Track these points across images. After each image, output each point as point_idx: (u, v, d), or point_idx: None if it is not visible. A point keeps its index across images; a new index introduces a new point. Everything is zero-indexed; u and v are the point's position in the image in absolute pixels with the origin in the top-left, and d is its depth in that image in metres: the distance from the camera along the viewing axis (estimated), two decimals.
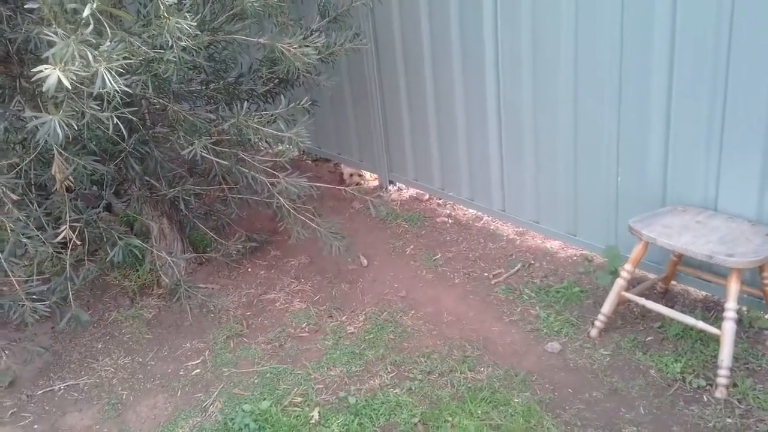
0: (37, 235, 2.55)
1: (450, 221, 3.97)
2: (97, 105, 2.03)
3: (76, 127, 1.92)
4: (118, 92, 1.80)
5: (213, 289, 3.56)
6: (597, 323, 2.83)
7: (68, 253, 2.75)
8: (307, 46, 2.68)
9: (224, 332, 3.20)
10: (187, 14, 2.10)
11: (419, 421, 2.52)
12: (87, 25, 1.65)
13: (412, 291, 3.36)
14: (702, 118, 2.65)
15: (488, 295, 3.24)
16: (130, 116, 2.32)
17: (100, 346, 3.24)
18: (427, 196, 4.28)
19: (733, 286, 2.41)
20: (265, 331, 3.19)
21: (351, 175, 4.72)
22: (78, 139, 2.53)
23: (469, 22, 3.41)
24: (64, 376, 3.06)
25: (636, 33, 2.74)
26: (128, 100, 2.18)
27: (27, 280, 2.64)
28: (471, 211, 4.01)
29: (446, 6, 3.48)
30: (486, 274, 3.42)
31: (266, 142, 2.83)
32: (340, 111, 4.56)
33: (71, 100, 1.91)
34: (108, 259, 2.95)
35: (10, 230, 2.45)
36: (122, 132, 2.24)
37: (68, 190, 2.67)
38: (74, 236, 2.60)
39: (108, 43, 1.74)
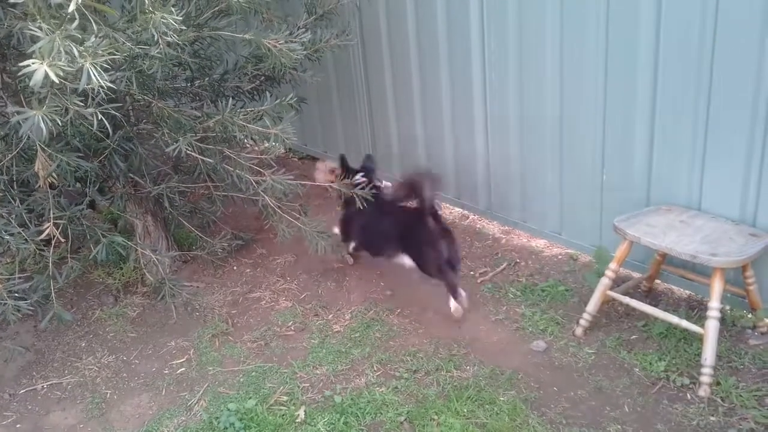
0: (19, 232, 2.51)
1: None
2: (81, 101, 2.00)
3: (60, 123, 1.89)
4: (103, 88, 1.77)
5: (198, 287, 3.54)
6: (582, 322, 2.84)
7: (51, 250, 2.72)
8: (293, 41, 2.67)
9: (209, 331, 3.19)
10: (172, 9, 2.08)
11: (405, 419, 2.52)
12: (72, 20, 1.62)
13: (398, 289, 3.36)
14: (686, 120, 2.67)
15: (474, 294, 3.25)
16: (114, 113, 2.29)
17: (83, 344, 3.21)
18: None
19: (717, 286, 2.43)
20: (251, 330, 3.18)
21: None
22: (62, 136, 2.49)
23: (455, 21, 3.41)
24: (47, 374, 3.02)
25: (621, 33, 2.75)
26: (112, 96, 2.15)
27: (9, 278, 2.60)
28: (457, 209, 4.02)
29: (432, 5, 3.47)
30: (472, 272, 3.42)
31: (252, 139, 2.81)
32: (326, 109, 4.55)
33: (55, 96, 1.89)
34: (91, 256, 2.92)
35: None
36: (106, 128, 2.22)
37: (51, 186, 2.64)
38: (57, 233, 2.57)
39: (93, 39, 1.72)
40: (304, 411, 2.61)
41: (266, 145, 3.00)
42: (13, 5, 2.09)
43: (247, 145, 3.12)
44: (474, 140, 3.60)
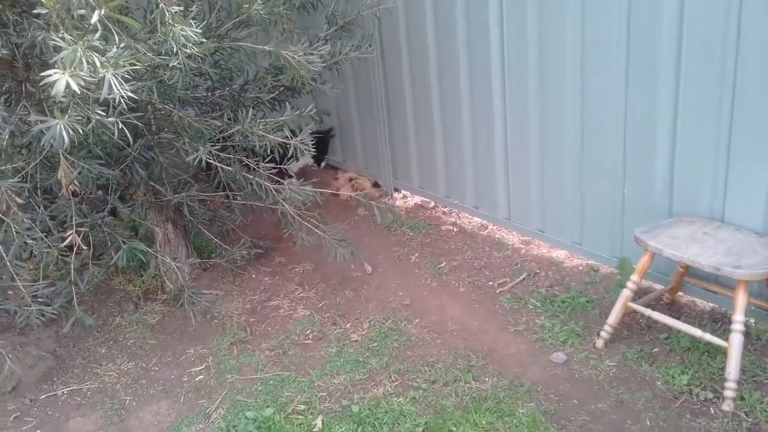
0: (42, 239, 2.55)
1: (455, 229, 3.96)
2: (103, 110, 2.03)
3: (81, 132, 1.91)
4: (124, 98, 1.79)
5: (217, 295, 3.56)
6: (603, 334, 2.81)
7: (73, 257, 2.75)
8: (312, 53, 2.68)
9: (228, 338, 3.20)
10: (192, 21, 2.10)
11: (423, 430, 2.50)
12: (95, 31, 1.65)
13: (417, 299, 3.35)
14: (709, 130, 2.64)
15: (493, 305, 3.22)
16: (135, 122, 2.32)
17: (103, 350, 3.24)
18: (432, 204, 4.27)
19: (741, 298, 2.39)
20: (269, 338, 3.18)
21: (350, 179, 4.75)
22: (84, 144, 2.52)
23: (474, 31, 3.41)
24: (67, 380, 3.05)
25: (643, 39, 2.73)
26: (134, 105, 2.18)
27: (33, 283, 2.63)
28: (476, 219, 4.00)
29: (452, 15, 3.47)
30: (491, 283, 3.40)
31: (271, 150, 2.82)
32: (345, 117, 4.57)
33: (77, 105, 1.91)
34: (112, 263, 2.94)
35: (16, 233, 2.44)
36: (128, 137, 2.24)
37: (74, 194, 2.67)
38: (79, 240, 2.59)
39: (115, 50, 1.74)
40: (322, 420, 2.61)
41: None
42: (37, 15, 2.12)
43: (267, 155, 3.14)
44: (493, 150, 3.59)
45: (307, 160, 4.65)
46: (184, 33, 2.01)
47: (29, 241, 2.49)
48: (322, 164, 4.78)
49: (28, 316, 2.59)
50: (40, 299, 2.63)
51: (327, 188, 4.51)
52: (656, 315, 2.67)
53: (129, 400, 2.89)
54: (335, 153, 4.81)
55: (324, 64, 2.85)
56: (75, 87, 1.60)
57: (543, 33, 3.09)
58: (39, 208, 2.69)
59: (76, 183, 2.50)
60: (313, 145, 2.74)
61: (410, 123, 4.07)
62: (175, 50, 2.08)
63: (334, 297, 3.45)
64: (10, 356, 2.87)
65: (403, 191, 4.45)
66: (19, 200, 2.41)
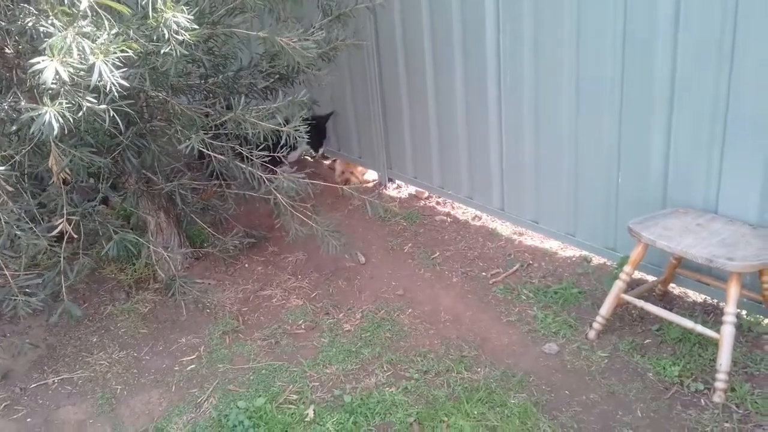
0: (31, 228, 2.52)
1: (449, 220, 3.95)
2: (94, 97, 2.00)
3: (72, 120, 1.89)
4: (115, 85, 1.77)
5: (209, 284, 3.54)
6: (595, 325, 2.81)
7: (63, 246, 2.72)
8: (307, 39, 2.66)
9: (220, 328, 3.19)
10: (184, 7, 2.07)
11: (415, 420, 2.51)
12: (85, 17, 1.62)
13: (410, 289, 3.34)
14: (704, 121, 2.63)
15: (486, 295, 3.22)
16: (127, 109, 2.29)
17: (94, 339, 3.22)
18: (426, 194, 4.26)
19: (733, 290, 2.39)
20: (261, 328, 3.17)
21: (342, 172, 4.71)
22: (75, 131, 2.50)
23: (470, 20, 3.39)
24: (58, 369, 3.04)
25: (639, 31, 2.72)
26: (125, 92, 2.15)
27: (20, 274, 2.61)
28: (470, 209, 3.99)
29: (448, 3, 3.45)
30: (484, 273, 3.40)
31: (265, 137, 2.80)
32: (340, 108, 4.54)
33: (67, 93, 1.89)
34: (102, 253, 2.92)
35: (4, 222, 2.41)
36: (119, 125, 2.22)
37: (64, 182, 2.64)
38: (69, 229, 2.57)
39: (105, 36, 1.71)
40: (314, 410, 2.60)
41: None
42: (27, 1, 2.09)
43: (260, 143, 3.12)
44: (488, 140, 3.58)
45: (303, 147, 4.61)
46: (176, 19, 1.99)
47: (18, 232, 2.47)
48: (320, 151, 4.69)
49: (14, 306, 2.57)
50: (27, 290, 2.61)
51: (324, 177, 4.52)
52: (648, 306, 2.68)
53: (120, 389, 2.88)
54: (330, 143, 4.78)
55: (319, 50, 2.82)
56: (64, 74, 1.58)
57: (539, 24, 3.07)
58: (26, 194, 2.66)
59: (67, 171, 2.47)
60: (308, 131, 2.72)
61: (405, 113, 4.05)
62: (167, 36, 2.05)
63: (327, 287, 3.45)
64: None
65: (397, 181, 4.44)
66: (9, 188, 2.38)
